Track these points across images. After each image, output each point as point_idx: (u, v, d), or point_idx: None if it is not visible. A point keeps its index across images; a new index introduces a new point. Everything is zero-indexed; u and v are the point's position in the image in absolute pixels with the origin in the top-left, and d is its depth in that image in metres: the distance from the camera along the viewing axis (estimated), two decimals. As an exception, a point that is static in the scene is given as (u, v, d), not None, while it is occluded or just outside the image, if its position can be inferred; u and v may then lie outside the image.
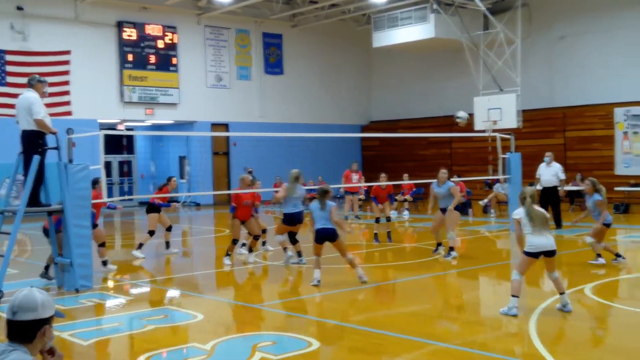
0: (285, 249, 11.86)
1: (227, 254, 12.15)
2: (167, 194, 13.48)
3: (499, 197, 20.35)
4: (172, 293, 9.99)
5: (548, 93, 25.35)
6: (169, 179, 13.58)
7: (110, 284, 10.80)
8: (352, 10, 28.10)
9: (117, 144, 28.22)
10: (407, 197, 21.75)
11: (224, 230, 18.29)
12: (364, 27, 29.92)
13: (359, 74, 32.27)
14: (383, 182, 15.00)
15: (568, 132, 24.68)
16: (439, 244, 12.71)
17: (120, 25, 25.26)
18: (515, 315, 7.64)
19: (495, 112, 22.22)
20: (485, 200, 20.81)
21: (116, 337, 7.47)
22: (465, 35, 23.83)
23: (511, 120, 21.93)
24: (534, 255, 7.82)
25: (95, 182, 11.37)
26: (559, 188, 16.53)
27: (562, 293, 7.88)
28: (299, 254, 11.82)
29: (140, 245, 13.17)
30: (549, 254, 7.83)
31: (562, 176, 16.67)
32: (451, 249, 12.14)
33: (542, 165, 17.06)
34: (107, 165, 26.42)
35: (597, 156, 23.72)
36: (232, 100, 28.15)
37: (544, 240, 7.77)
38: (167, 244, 13.62)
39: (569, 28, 24.83)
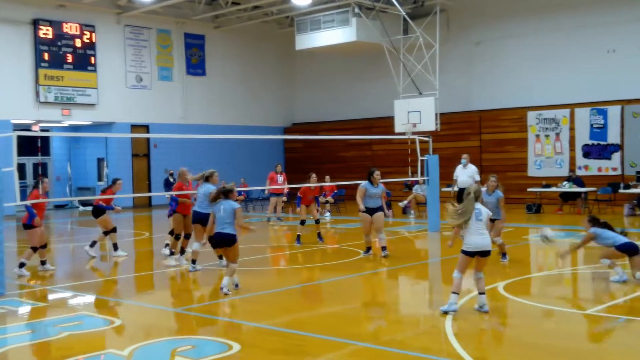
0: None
1: (171, 252, 12.33)
2: (112, 195, 13.39)
3: (418, 198, 20.78)
4: (89, 298, 9.76)
5: (465, 97, 26.06)
6: (115, 181, 13.50)
7: (24, 290, 10.46)
8: (275, 12, 28.13)
9: (32, 145, 27.30)
10: (329, 198, 21.93)
11: (144, 234, 17.99)
12: (286, 29, 30.00)
13: (282, 76, 32.32)
14: (313, 182, 15.17)
15: (484, 134, 25.43)
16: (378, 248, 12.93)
17: (36, 23, 24.45)
18: (455, 311, 7.83)
19: (415, 115, 22.67)
20: (405, 202, 21.21)
21: (28, 345, 7.25)
22: (386, 39, 24.22)
23: (430, 123, 22.42)
24: (471, 254, 7.97)
25: (36, 183, 11.53)
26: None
27: (481, 293, 8.04)
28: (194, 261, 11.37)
29: (115, 245, 13.51)
30: (484, 254, 7.99)
31: (478, 177, 17.19)
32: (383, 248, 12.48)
33: (459, 167, 17.55)
34: (21, 168, 25.56)
35: (510, 158, 24.54)
36: (153, 101, 27.69)
37: (480, 239, 7.92)
38: (115, 246, 13.66)
39: (485, 34, 25.59)
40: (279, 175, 20.24)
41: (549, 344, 6.80)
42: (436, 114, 22.54)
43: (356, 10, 24.63)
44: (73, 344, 7.17)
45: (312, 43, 26.43)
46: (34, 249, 11.52)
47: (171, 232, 12.69)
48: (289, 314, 8.55)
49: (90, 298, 9.78)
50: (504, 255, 11.73)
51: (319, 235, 14.97)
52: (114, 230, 13.48)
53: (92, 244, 13.48)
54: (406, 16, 23.98)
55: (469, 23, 25.93)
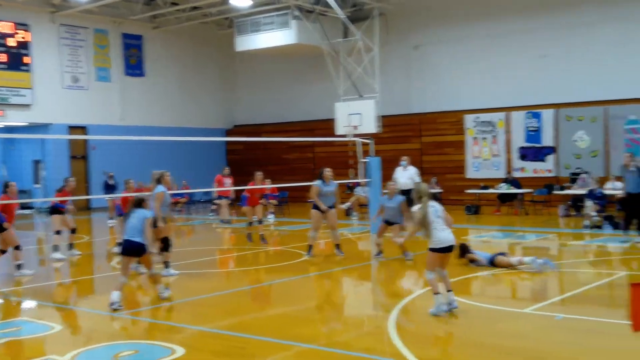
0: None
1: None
2: (68, 196, 13.32)
3: (360, 200, 20.96)
4: (28, 304, 9.52)
5: (405, 100, 26.40)
6: (66, 181, 13.48)
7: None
8: (214, 13, 27.94)
9: (-37, 147, 26.44)
10: (272, 200, 21.91)
11: (83, 237, 17.62)
12: (226, 30, 29.83)
13: (222, 77, 32.12)
14: (259, 180, 15.29)
15: (424, 137, 25.83)
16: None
17: (-34, 21, 23.72)
18: (444, 312, 7.85)
19: (356, 117, 22.86)
20: (348, 204, 21.37)
21: (-35, 354, 7.04)
22: (325, 42, 24.36)
23: (371, 126, 22.64)
24: (441, 250, 7.94)
25: (5, 186, 11.70)
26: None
27: (449, 290, 8.06)
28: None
29: (71, 246, 13.76)
30: (450, 249, 8.02)
31: (417, 179, 17.46)
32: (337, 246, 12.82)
33: (399, 169, 17.79)
34: (-48, 170, 24.70)
35: (450, 160, 25.00)
36: (90, 102, 27.13)
37: (446, 234, 7.95)
38: (71, 246, 13.87)
39: (423, 38, 25.98)
40: (226, 178, 20.09)
41: (493, 343, 6.98)
42: (377, 117, 22.78)
43: (296, 12, 24.70)
44: (12, 350, 7.00)
45: (252, 45, 26.38)
46: (17, 248, 11.60)
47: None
48: (232, 317, 8.52)
49: (29, 303, 9.55)
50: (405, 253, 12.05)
51: (262, 237, 14.98)
52: (73, 231, 13.88)
53: (55, 248, 13.56)
54: (346, 19, 24.16)
55: (407, 27, 26.28)
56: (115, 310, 8.52)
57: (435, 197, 8.26)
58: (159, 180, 10.94)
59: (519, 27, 23.64)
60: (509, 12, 23.91)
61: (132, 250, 8.88)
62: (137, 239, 8.83)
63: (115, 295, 8.61)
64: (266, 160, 29.20)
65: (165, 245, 11.05)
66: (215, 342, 7.27)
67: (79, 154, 27.12)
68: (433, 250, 7.98)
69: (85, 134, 26.63)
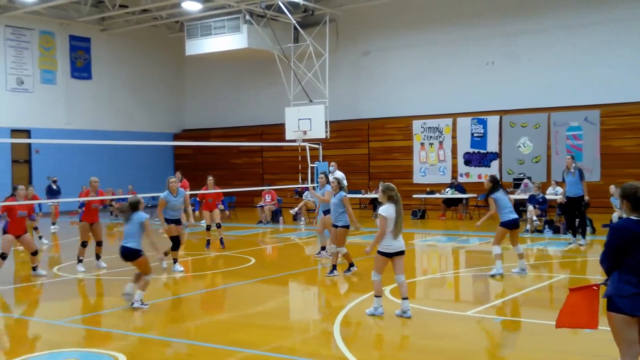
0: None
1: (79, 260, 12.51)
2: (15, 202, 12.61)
3: (308, 205, 21.04)
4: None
5: (354, 105, 26.62)
6: (15, 189, 12.52)
7: None
8: (164, 17, 27.70)
9: None
10: (220, 206, 21.78)
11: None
12: (176, 34, 29.63)
13: (171, 81, 31.86)
14: (211, 186, 15.29)
15: (372, 142, 26.07)
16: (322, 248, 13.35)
17: None
18: (381, 314, 7.98)
19: (305, 122, 22.93)
20: (296, 209, 21.43)
21: None
22: (277, 47, 24.40)
23: (320, 131, 22.73)
24: (389, 255, 7.99)
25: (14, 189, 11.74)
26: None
27: (405, 298, 8.09)
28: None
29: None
30: (402, 253, 8.04)
31: (344, 183, 17.54)
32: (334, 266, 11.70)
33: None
34: None
35: (397, 165, 25.29)
36: (35, 105, 26.59)
37: (400, 241, 7.99)
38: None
39: (372, 44, 26.26)
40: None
41: (435, 345, 7.12)
42: (326, 122, 22.89)
43: (247, 17, 24.69)
44: (-52, 361, 6.84)
45: (203, 49, 26.28)
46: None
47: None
48: (177, 323, 8.49)
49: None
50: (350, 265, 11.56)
51: (221, 240, 15.11)
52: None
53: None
54: (296, 25, 24.27)
55: (357, 33, 26.53)
56: (131, 303, 8.92)
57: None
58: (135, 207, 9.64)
59: (465, 34, 24.09)
60: (456, 20, 24.33)
61: (126, 255, 9.02)
62: (130, 245, 8.95)
63: (135, 293, 8.99)
64: (215, 165, 29.07)
65: (175, 243, 12.01)
66: (159, 349, 7.24)
67: (22, 158, 26.52)
68: (382, 254, 8.01)
69: (29, 137, 26.10)
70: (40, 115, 26.61)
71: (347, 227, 11.27)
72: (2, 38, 25.67)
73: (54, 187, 21.76)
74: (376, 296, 8.12)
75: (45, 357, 6.88)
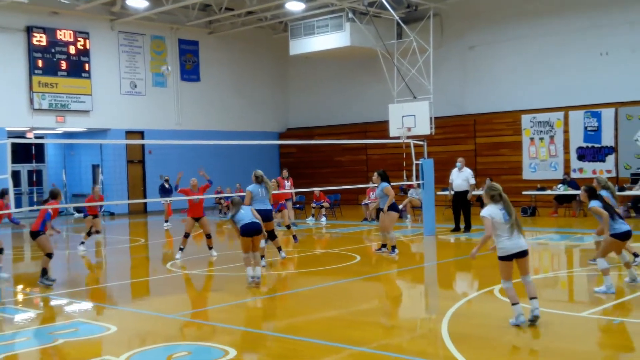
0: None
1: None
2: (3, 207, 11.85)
3: (413, 202, 20.79)
4: (84, 305, 9.73)
5: (459, 100, 26.10)
6: (54, 193, 11.70)
7: (19, 297, 10.43)
8: (269, 17, 28.14)
9: (26, 152, 27.25)
10: (325, 203, 21.94)
11: (140, 240, 17.96)
12: (280, 34, 30.03)
13: (276, 81, 32.34)
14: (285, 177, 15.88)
15: (478, 138, 25.47)
16: (383, 245, 13.62)
17: (29, 30, 24.43)
18: (523, 323, 7.35)
19: (409, 119, 22.68)
20: (400, 206, 21.18)
21: (24, 352, 7.22)
22: (379, 44, 24.24)
23: (424, 127, 22.41)
24: (508, 258, 7.41)
25: (3, 193, 11.11)
26: (470, 192, 17.10)
27: (533, 298, 7.50)
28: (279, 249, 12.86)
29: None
30: (523, 254, 7.45)
31: (473, 181, 17.22)
32: (392, 247, 13.25)
33: (454, 171, 17.55)
34: (16, 175, 25.46)
35: (505, 161, 24.57)
36: (147, 107, 27.67)
37: (519, 241, 7.42)
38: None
39: (479, 38, 25.64)
40: (285, 181, 20.19)
41: (552, 346, 6.82)
42: (430, 118, 22.55)
43: (350, 15, 24.68)
44: (68, 351, 7.15)
45: (306, 48, 26.48)
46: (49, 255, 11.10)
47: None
48: (284, 319, 8.54)
49: (85, 305, 9.75)
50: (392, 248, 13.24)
51: (294, 237, 15.38)
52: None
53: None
54: (399, 21, 24.03)
55: (462, 27, 25.99)
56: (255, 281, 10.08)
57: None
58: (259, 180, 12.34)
59: (577, 24, 23.10)
60: (566, 10, 23.39)
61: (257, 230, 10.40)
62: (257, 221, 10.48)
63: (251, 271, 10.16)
64: (319, 163, 29.25)
65: (271, 235, 12.51)
66: (267, 344, 7.30)
67: (136, 159, 27.68)
68: (502, 258, 7.44)
69: (142, 138, 27.20)
70: (152, 117, 27.67)
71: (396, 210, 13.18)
72: (116, 44, 26.84)
73: (167, 185, 22.51)
74: (513, 304, 7.42)
75: (158, 350, 7.06)
